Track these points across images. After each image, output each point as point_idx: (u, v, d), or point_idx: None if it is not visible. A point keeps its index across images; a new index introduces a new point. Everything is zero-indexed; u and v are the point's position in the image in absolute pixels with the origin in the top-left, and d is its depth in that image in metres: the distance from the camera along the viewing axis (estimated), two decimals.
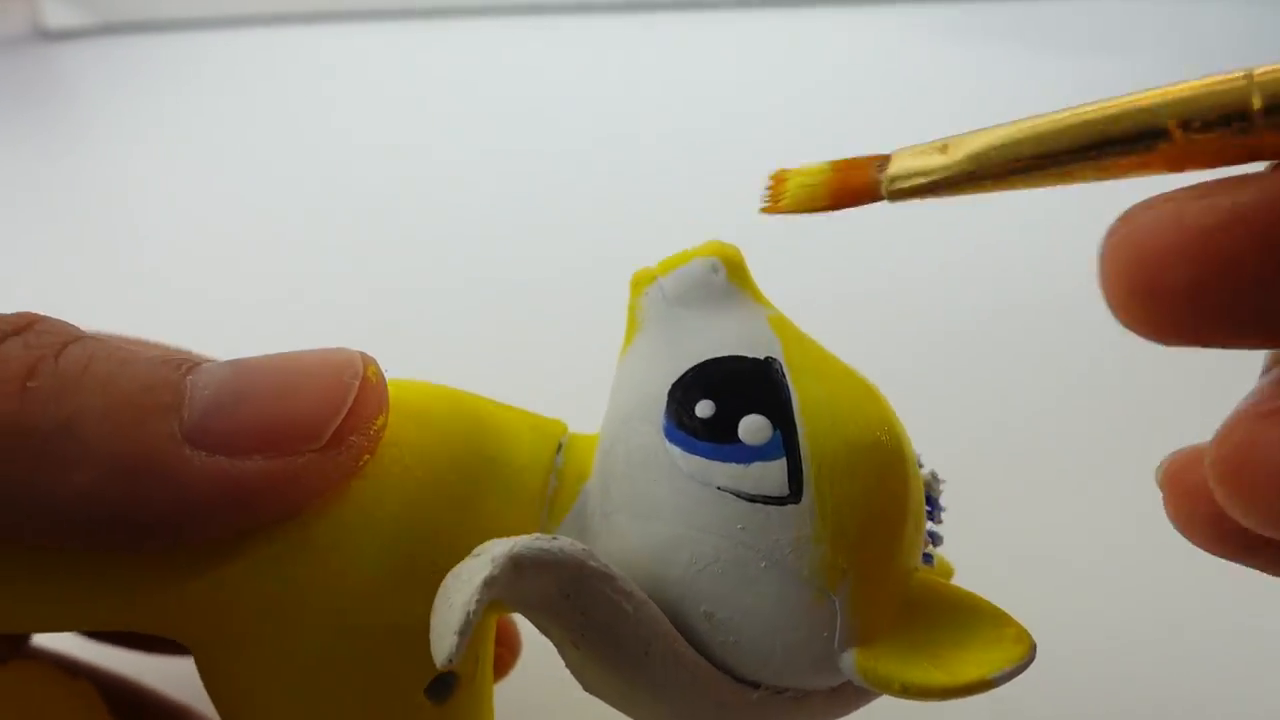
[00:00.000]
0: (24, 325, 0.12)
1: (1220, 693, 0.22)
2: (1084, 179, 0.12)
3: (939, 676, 0.12)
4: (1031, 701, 0.22)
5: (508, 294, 0.37)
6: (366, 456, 0.13)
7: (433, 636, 0.11)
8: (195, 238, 0.41)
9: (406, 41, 0.59)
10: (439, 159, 0.46)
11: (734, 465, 0.12)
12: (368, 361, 0.13)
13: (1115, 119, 0.11)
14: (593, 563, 0.12)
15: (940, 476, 0.14)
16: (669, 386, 0.13)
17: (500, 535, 0.12)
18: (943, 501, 0.15)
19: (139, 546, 0.12)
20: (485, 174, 0.45)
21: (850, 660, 0.12)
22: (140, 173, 0.46)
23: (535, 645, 0.18)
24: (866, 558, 0.12)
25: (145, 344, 0.20)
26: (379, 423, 0.13)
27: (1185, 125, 0.11)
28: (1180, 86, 0.11)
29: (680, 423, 0.13)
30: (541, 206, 0.42)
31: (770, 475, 0.12)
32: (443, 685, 0.14)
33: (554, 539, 0.12)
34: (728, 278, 0.15)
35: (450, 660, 0.11)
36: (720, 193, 0.45)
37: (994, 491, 0.27)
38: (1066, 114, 0.12)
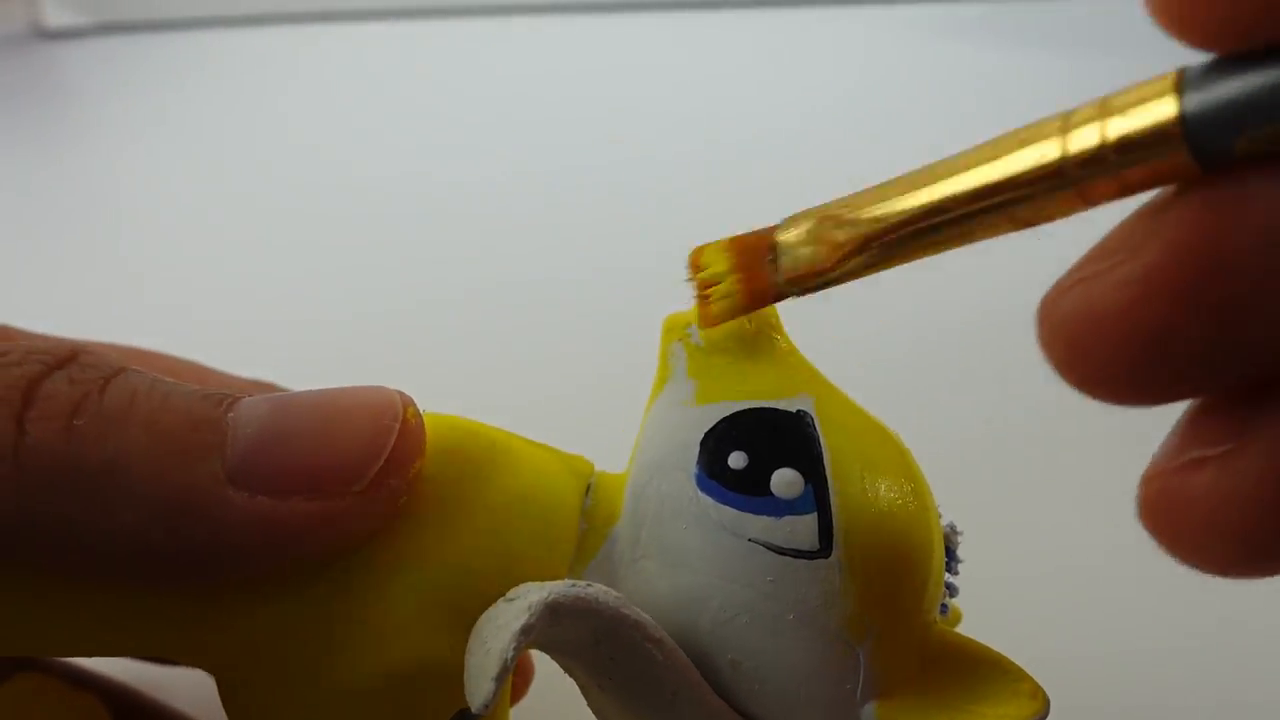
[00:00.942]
0: (67, 358, 0.12)
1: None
2: (994, 233, 0.12)
3: None
4: None
5: (508, 294, 0.37)
6: (404, 499, 0.13)
7: (468, 681, 0.12)
8: (195, 238, 0.41)
9: (407, 41, 0.59)
10: (442, 159, 0.46)
11: (766, 518, 0.13)
12: (406, 403, 0.13)
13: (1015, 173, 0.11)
14: (626, 611, 0.12)
15: (958, 528, 0.15)
16: (701, 436, 0.13)
17: (531, 577, 0.13)
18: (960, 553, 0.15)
19: (179, 584, 0.13)
20: (489, 174, 0.45)
21: (871, 713, 0.13)
22: (140, 172, 0.46)
23: (548, 672, 0.18)
24: (891, 613, 0.13)
25: (173, 360, 0.20)
26: (417, 466, 0.13)
27: (1085, 166, 0.10)
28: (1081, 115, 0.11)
29: (713, 472, 0.13)
30: (546, 207, 0.42)
31: (802, 529, 0.13)
32: (465, 719, 0.14)
33: (589, 586, 0.12)
34: (760, 326, 0.15)
35: (486, 706, 0.11)
36: (722, 193, 0.45)
37: (995, 500, 0.27)
38: (955, 171, 0.12)
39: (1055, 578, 0.25)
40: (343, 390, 0.13)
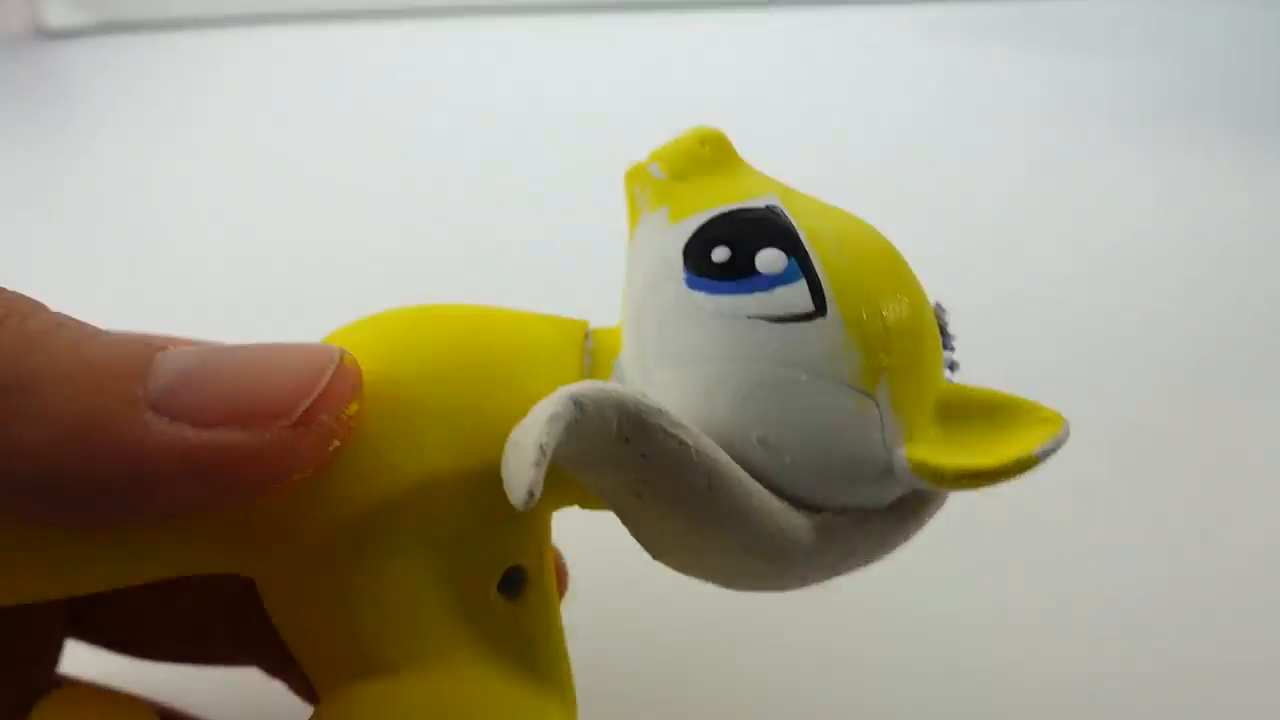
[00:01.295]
0: None
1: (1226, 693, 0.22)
2: None
3: (988, 460, 0.12)
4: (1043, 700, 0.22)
5: (512, 294, 0.37)
6: (337, 442, 0.13)
7: (508, 480, 0.12)
8: (195, 236, 0.41)
9: (406, 41, 0.59)
10: (438, 157, 0.46)
11: (759, 294, 0.13)
12: (343, 352, 0.13)
13: None
14: (645, 400, 0.12)
15: (945, 306, 0.15)
16: (683, 245, 0.14)
17: None
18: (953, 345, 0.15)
19: (90, 518, 0.12)
20: (484, 172, 0.45)
21: (902, 457, 0.13)
22: (140, 171, 0.46)
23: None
24: (897, 357, 0.13)
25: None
26: (352, 409, 0.13)
27: None
28: None
29: (700, 271, 0.14)
30: (547, 205, 0.42)
31: (794, 296, 0.13)
32: (513, 581, 0.14)
33: (607, 382, 0.13)
34: (715, 151, 0.15)
35: (531, 495, 0.11)
36: None
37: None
38: None
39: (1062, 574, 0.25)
40: (282, 343, 0.13)
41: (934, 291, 0.14)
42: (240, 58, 0.56)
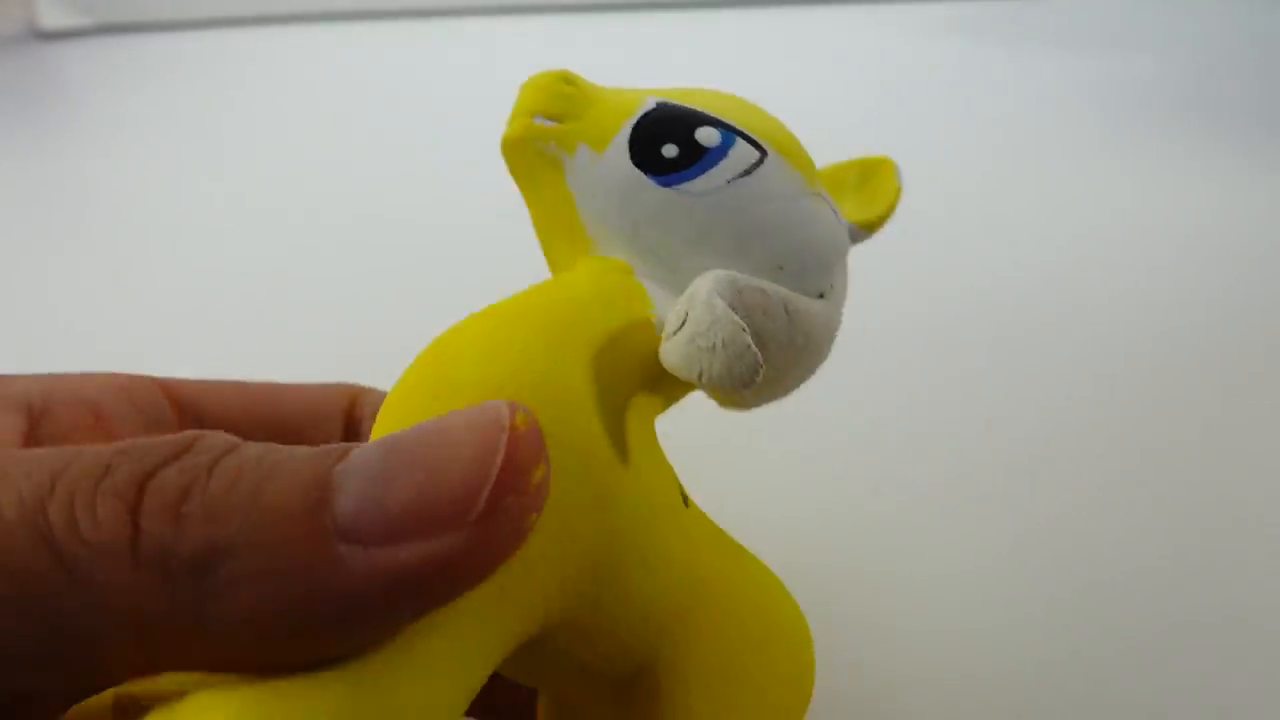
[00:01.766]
0: (184, 448, 0.12)
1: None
2: None
3: (885, 204, 0.18)
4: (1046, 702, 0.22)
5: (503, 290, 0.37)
6: (534, 515, 0.12)
7: (723, 375, 0.14)
8: (190, 237, 0.41)
9: (404, 41, 0.59)
10: (437, 157, 0.46)
11: (722, 163, 0.16)
12: (514, 410, 0.12)
13: None
14: (729, 272, 0.15)
15: None
16: (629, 161, 0.16)
17: (656, 331, 0.15)
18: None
19: (315, 651, 0.12)
20: (483, 171, 0.45)
21: (851, 225, 0.17)
22: (135, 172, 0.46)
23: None
24: (808, 164, 0.17)
25: (256, 386, 0.20)
26: (538, 475, 0.12)
27: None
28: None
29: (663, 168, 0.16)
30: None
31: (744, 151, 0.16)
32: (683, 495, 0.16)
33: (714, 271, 0.15)
34: (578, 85, 0.17)
35: (761, 368, 0.13)
36: None
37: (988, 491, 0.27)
38: None
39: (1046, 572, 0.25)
40: (450, 414, 0.13)
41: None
42: (236, 59, 0.56)
